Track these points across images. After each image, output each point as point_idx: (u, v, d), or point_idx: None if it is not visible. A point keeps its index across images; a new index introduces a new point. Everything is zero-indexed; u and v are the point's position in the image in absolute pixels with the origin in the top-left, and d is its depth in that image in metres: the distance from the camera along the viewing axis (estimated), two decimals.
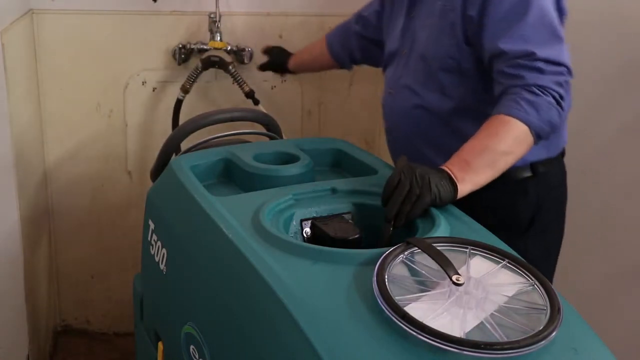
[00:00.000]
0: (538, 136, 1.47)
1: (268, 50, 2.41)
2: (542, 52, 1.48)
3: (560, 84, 1.49)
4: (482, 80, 1.60)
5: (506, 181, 1.56)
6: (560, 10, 1.56)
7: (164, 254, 1.49)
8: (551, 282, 1.69)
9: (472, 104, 1.62)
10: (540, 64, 1.47)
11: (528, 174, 1.65)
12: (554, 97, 1.47)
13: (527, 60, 1.48)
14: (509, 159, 1.46)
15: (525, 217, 1.68)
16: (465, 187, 1.40)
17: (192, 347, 1.34)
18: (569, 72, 1.52)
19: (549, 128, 1.48)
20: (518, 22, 1.50)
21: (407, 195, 1.33)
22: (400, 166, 1.38)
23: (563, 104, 1.49)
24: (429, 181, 1.34)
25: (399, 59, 1.77)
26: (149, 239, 1.58)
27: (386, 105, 1.81)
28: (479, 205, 1.48)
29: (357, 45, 2.08)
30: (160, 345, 1.56)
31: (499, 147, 1.44)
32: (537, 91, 1.46)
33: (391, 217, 1.34)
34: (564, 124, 1.65)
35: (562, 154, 1.74)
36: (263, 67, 2.42)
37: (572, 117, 1.61)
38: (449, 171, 1.40)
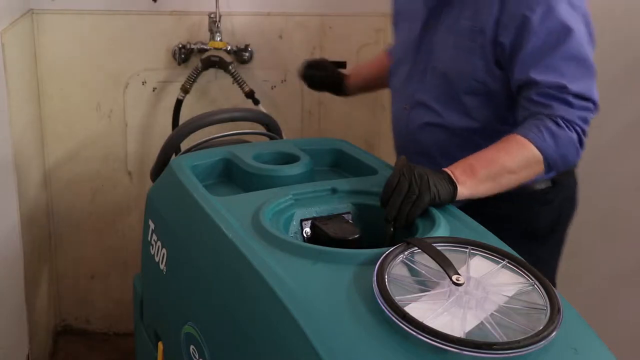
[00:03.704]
0: (549, 167, 1.47)
1: (314, 65, 2.11)
2: (573, 86, 1.46)
3: (585, 120, 1.47)
4: (508, 101, 1.57)
5: (527, 191, 1.58)
6: (593, 43, 1.53)
7: (164, 254, 1.49)
8: (555, 285, 1.70)
9: (497, 125, 1.58)
10: (570, 98, 1.46)
11: (548, 184, 1.64)
12: (577, 133, 1.46)
13: (558, 92, 1.46)
14: (512, 178, 1.45)
15: (546, 227, 1.67)
16: (464, 191, 1.39)
17: (192, 347, 1.34)
18: (596, 108, 1.50)
19: (562, 163, 1.48)
20: (552, 53, 1.47)
21: (407, 196, 1.33)
22: (399, 166, 1.37)
23: (584, 141, 1.48)
24: (427, 181, 1.34)
25: (412, 71, 1.70)
26: (149, 239, 1.58)
27: (401, 120, 1.74)
28: (500, 215, 1.49)
29: None
30: (160, 345, 1.56)
31: (507, 164, 1.43)
32: (562, 124, 1.45)
33: (391, 217, 1.34)
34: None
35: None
36: (314, 86, 2.14)
37: None
38: (450, 172, 1.39)
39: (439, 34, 1.63)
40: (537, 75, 1.46)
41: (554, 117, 1.45)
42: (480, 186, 1.41)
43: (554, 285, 1.67)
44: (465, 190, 1.39)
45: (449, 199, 1.37)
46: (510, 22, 1.49)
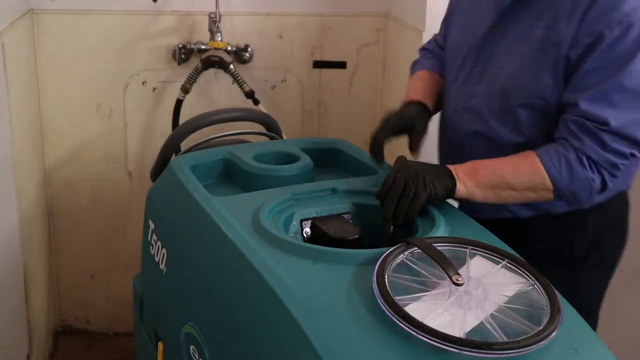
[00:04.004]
0: (558, 197, 1.40)
1: (400, 118, 1.61)
2: (617, 123, 1.34)
3: (615, 166, 1.37)
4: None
5: (563, 213, 1.51)
6: None
7: (164, 254, 1.49)
8: (597, 316, 1.63)
9: (544, 141, 1.44)
10: (607, 138, 1.34)
11: (589, 206, 1.51)
12: (600, 176, 1.37)
13: (596, 128, 1.34)
14: (514, 195, 1.40)
15: (581, 252, 1.55)
16: (462, 190, 1.38)
17: (192, 347, 1.34)
18: (639, 150, 1.38)
19: (572, 199, 1.40)
20: (609, 80, 1.34)
21: (403, 194, 1.33)
22: (396, 165, 1.38)
23: (608, 186, 1.38)
24: (424, 178, 1.34)
25: (468, 74, 1.56)
26: (149, 239, 1.58)
27: (451, 120, 1.62)
28: (532, 237, 1.46)
29: None
30: (160, 345, 1.56)
31: (511, 180, 1.38)
32: (586, 162, 1.36)
33: (389, 216, 1.34)
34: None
35: (628, 188, 1.59)
36: (414, 147, 1.61)
37: None
38: (452, 169, 1.39)
39: (506, 39, 1.48)
40: (583, 103, 1.35)
41: (580, 153, 1.36)
42: (478, 191, 1.39)
43: (596, 316, 1.62)
44: (464, 189, 1.39)
45: (445, 195, 1.37)
46: (584, 38, 1.36)
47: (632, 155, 1.37)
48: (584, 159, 1.36)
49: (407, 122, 1.57)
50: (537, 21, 1.42)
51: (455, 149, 1.60)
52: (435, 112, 1.67)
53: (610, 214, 1.56)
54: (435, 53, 1.77)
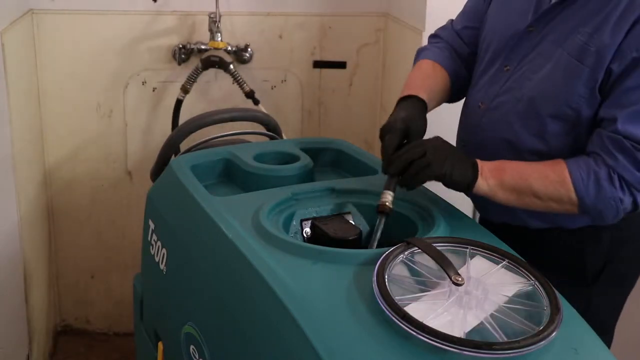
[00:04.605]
0: (583, 212, 1.35)
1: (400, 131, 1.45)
2: None
3: None
4: (591, 131, 1.38)
5: (568, 229, 1.46)
6: None
7: (164, 254, 1.49)
8: (613, 332, 1.58)
9: (568, 154, 1.38)
10: None
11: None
12: (632, 196, 1.32)
13: (633, 146, 1.29)
14: (537, 203, 1.35)
15: (593, 268, 1.49)
16: (484, 186, 1.34)
17: (192, 347, 1.34)
18: None
19: (597, 216, 1.35)
20: None
21: (417, 160, 1.30)
22: (428, 139, 1.35)
23: (638, 206, 1.34)
24: (445, 157, 1.30)
25: (498, 72, 1.49)
26: (149, 239, 1.58)
27: (471, 117, 1.55)
28: (542, 248, 1.42)
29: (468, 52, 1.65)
30: (160, 345, 1.56)
31: (536, 188, 1.33)
32: (617, 182, 1.30)
33: (396, 170, 1.32)
34: None
35: None
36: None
37: None
38: (479, 163, 1.35)
39: (543, 42, 1.40)
40: (622, 120, 1.29)
41: (613, 172, 1.30)
42: (500, 191, 1.35)
43: (611, 333, 1.58)
44: (486, 187, 1.34)
45: (462, 184, 1.33)
46: (629, 51, 1.28)
47: None
48: (616, 177, 1.30)
49: (405, 130, 1.41)
50: (580, 26, 1.34)
51: (472, 142, 1.54)
52: (432, 108, 1.57)
53: (626, 228, 1.48)
54: (450, 42, 1.65)
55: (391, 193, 1.33)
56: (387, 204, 1.32)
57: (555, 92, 1.37)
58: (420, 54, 1.67)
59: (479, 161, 1.36)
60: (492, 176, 1.35)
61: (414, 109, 1.48)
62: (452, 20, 1.69)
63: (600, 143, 1.32)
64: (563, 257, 1.49)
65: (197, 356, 1.32)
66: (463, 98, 1.65)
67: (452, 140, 1.51)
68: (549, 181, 1.33)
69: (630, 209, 1.34)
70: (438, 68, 1.60)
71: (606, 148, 1.31)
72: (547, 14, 1.40)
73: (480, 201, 1.51)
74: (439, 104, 1.62)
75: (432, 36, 1.71)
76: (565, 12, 1.38)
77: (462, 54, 1.64)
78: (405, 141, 1.41)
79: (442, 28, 1.70)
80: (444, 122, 1.67)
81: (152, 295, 1.63)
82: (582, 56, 1.33)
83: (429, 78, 1.59)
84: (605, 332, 1.31)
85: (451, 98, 1.66)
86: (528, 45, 1.43)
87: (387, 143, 1.39)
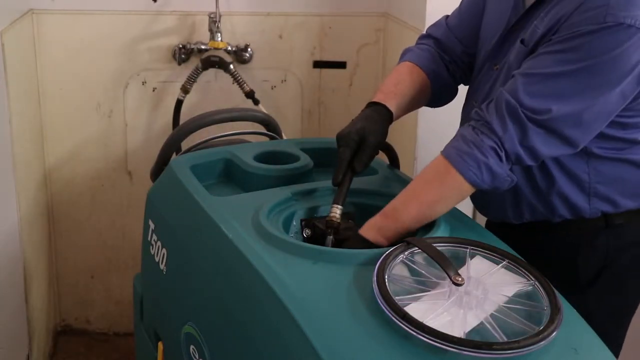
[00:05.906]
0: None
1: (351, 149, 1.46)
2: (527, 100, 1.26)
3: (494, 151, 1.26)
4: None
5: (570, 229, 1.43)
6: None
7: (164, 254, 1.49)
8: (620, 346, 1.53)
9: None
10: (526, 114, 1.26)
11: (599, 224, 1.42)
12: (510, 163, 1.29)
13: (526, 116, 1.26)
14: (440, 206, 1.32)
15: (587, 273, 1.45)
16: (389, 237, 1.30)
17: (192, 347, 1.34)
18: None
19: (493, 190, 1.32)
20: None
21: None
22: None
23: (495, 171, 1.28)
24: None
25: (487, 71, 1.49)
26: (149, 239, 1.58)
27: (469, 117, 1.47)
28: (535, 251, 1.35)
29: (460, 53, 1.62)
30: (160, 345, 1.56)
31: (427, 197, 1.31)
32: (504, 159, 1.27)
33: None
34: None
35: None
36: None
37: None
38: (371, 236, 1.30)
39: (517, 45, 1.40)
40: (521, 86, 1.28)
41: (500, 148, 1.27)
42: (408, 226, 1.30)
43: (617, 345, 1.52)
44: (392, 235, 1.29)
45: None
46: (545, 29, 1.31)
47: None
48: (503, 155, 1.27)
49: (359, 141, 1.42)
50: (539, 25, 1.35)
51: None
52: (402, 115, 1.54)
53: (626, 234, 1.44)
54: (441, 39, 1.61)
55: (340, 207, 1.33)
56: (334, 219, 1.32)
57: None
58: (402, 56, 1.65)
59: (363, 232, 1.31)
60: (390, 221, 1.30)
61: (373, 120, 1.45)
62: (446, 16, 1.66)
63: (499, 106, 1.29)
64: (556, 262, 1.44)
65: (197, 356, 1.32)
66: (451, 100, 1.64)
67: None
68: (448, 191, 1.30)
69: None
70: (416, 71, 1.57)
71: (501, 114, 1.28)
72: (523, 16, 1.41)
73: (480, 201, 1.50)
74: (413, 108, 1.60)
75: (421, 37, 1.68)
76: (537, 14, 1.37)
77: (453, 52, 1.60)
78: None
79: (435, 25, 1.67)
80: (446, 119, 1.69)
81: (152, 295, 1.63)
82: (531, 42, 1.34)
83: (403, 82, 1.55)
84: (607, 342, 1.27)
85: (433, 101, 1.62)
86: (510, 42, 1.43)
87: (340, 156, 1.41)
